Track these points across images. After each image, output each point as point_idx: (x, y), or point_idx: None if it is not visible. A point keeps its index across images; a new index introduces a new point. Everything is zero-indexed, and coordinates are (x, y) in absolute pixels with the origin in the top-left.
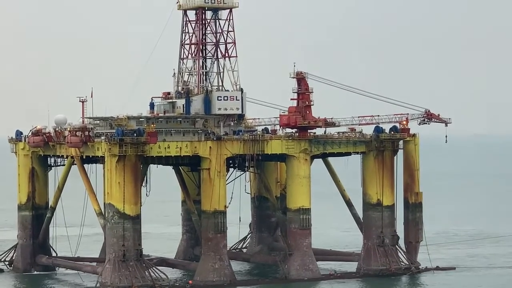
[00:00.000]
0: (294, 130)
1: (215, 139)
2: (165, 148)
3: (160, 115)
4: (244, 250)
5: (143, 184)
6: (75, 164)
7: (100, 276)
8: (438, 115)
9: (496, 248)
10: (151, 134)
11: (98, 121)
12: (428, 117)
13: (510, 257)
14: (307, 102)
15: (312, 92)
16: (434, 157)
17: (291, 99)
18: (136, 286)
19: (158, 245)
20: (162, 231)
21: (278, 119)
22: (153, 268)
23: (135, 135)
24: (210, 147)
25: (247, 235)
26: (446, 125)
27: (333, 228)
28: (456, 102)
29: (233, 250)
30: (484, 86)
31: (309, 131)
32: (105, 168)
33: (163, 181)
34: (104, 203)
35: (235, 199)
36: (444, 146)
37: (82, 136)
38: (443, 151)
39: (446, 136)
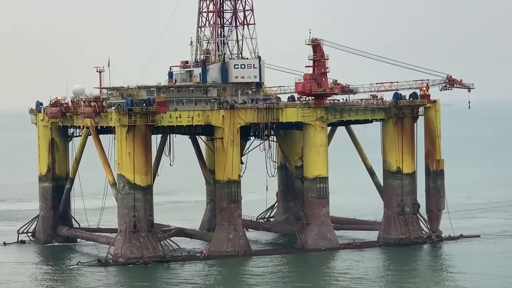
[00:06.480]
0: (310, 98)
1: (228, 107)
2: (177, 117)
3: (171, 84)
4: (271, 220)
5: (166, 154)
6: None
7: (112, 247)
8: (461, 80)
9: None
10: (161, 104)
11: (112, 91)
12: (450, 82)
13: None
14: (322, 69)
15: (328, 59)
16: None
17: (306, 66)
18: (146, 257)
19: (183, 215)
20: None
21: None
22: (166, 239)
23: (144, 105)
24: (222, 116)
25: (274, 203)
26: (469, 91)
27: (357, 197)
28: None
29: (259, 220)
30: None
31: (327, 98)
32: (116, 138)
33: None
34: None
35: (262, 168)
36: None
37: (95, 106)
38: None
39: (469, 102)
